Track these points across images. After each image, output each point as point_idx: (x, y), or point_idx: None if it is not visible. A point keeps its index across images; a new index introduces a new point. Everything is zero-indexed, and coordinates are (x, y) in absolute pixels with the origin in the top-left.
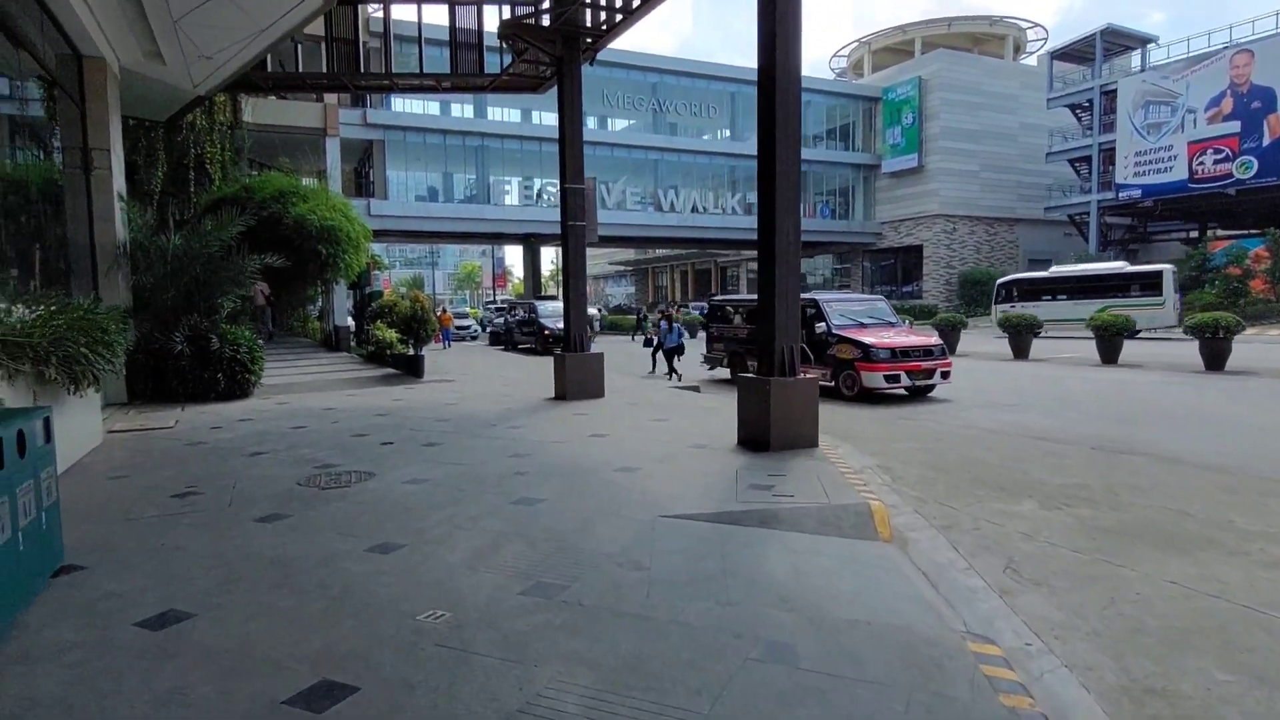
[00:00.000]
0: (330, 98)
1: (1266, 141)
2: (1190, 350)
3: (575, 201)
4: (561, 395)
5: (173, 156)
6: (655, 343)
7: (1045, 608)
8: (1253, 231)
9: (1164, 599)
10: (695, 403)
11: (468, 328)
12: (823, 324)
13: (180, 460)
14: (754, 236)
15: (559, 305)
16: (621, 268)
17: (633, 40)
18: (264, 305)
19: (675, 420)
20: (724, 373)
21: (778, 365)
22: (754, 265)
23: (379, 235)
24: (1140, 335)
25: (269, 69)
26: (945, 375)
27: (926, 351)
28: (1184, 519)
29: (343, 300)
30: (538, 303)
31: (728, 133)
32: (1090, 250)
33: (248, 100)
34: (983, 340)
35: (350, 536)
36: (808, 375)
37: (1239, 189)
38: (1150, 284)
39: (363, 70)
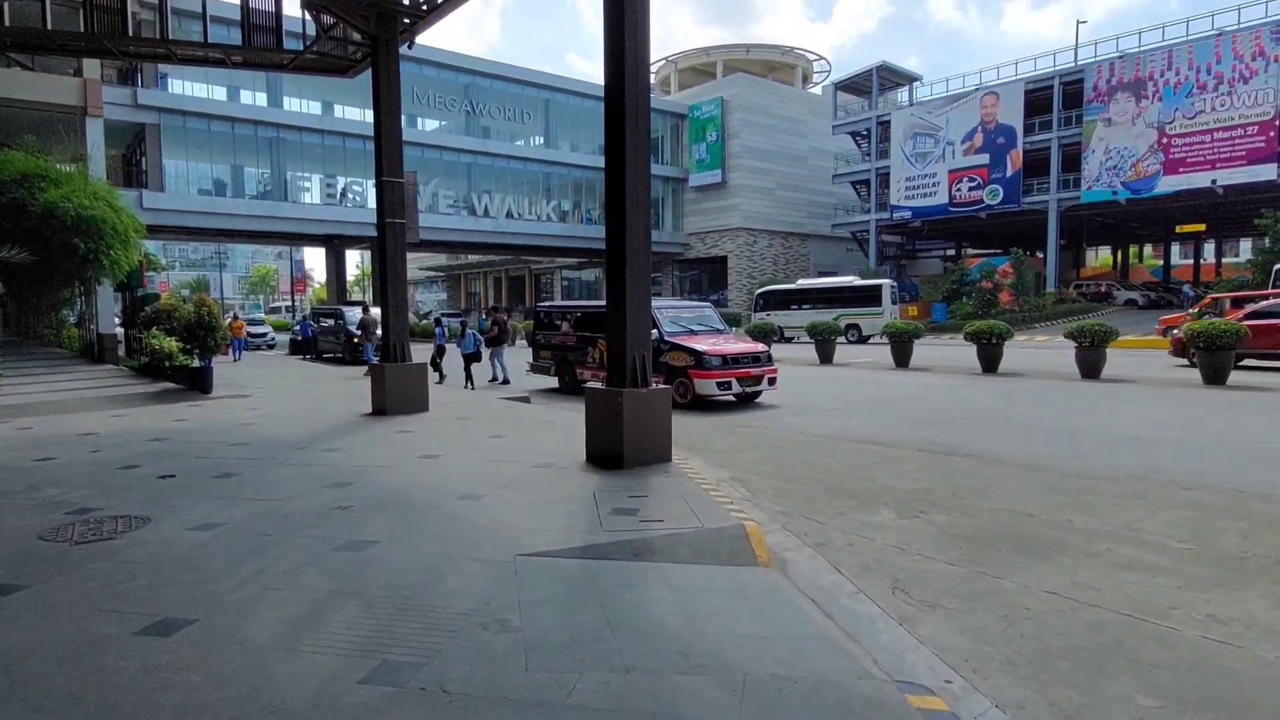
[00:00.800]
0: (92, 72)
1: (1009, 173)
2: (937, 354)
3: (394, 196)
4: (381, 410)
5: None
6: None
7: (949, 635)
8: (998, 251)
9: (1054, 614)
10: (530, 415)
11: (264, 335)
12: (655, 331)
13: None
14: (568, 244)
15: (375, 313)
16: (433, 273)
17: (442, 38)
18: None
19: (513, 436)
20: (552, 382)
21: (630, 375)
22: (568, 273)
23: (154, 231)
24: (870, 340)
25: (6, 24)
26: (772, 382)
27: (755, 358)
28: (1029, 521)
29: (109, 304)
30: (345, 309)
31: (541, 140)
32: (870, 264)
33: None
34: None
35: (116, 613)
36: (659, 385)
37: (988, 213)
38: (872, 296)
39: (131, 35)
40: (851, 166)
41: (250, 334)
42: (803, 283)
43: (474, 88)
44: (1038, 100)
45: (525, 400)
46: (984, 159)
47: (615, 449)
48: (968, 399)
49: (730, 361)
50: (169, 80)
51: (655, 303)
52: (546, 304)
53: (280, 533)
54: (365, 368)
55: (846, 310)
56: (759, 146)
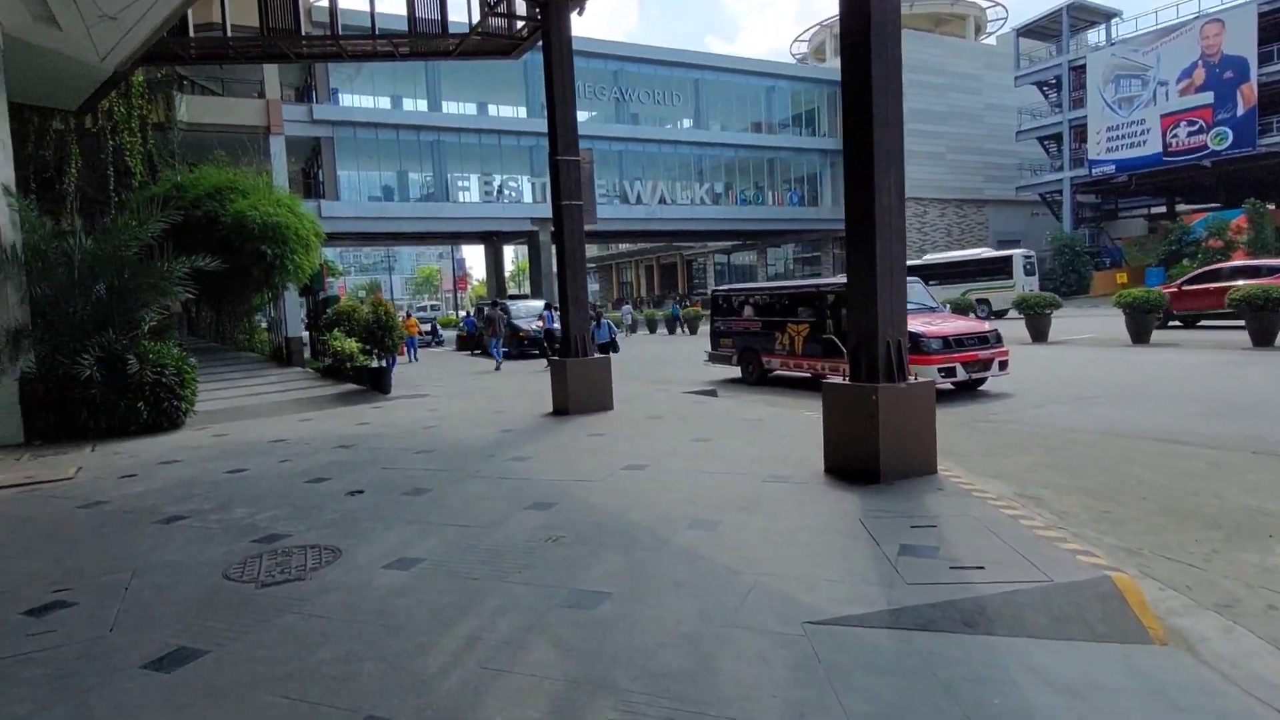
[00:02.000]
0: (273, 93)
1: (1240, 112)
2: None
3: (569, 176)
4: (563, 409)
5: (87, 151)
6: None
7: None
8: (1218, 205)
9: None
10: (728, 413)
11: (430, 332)
12: None
13: (64, 537)
14: (722, 227)
15: (532, 305)
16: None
17: (587, 28)
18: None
19: (721, 440)
20: (733, 372)
21: (885, 366)
22: (720, 258)
23: (333, 239)
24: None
25: (191, 35)
26: (1004, 366)
27: (982, 339)
28: None
29: (295, 308)
30: (510, 302)
31: (690, 121)
32: (1065, 228)
33: (181, 98)
34: None
35: (304, 703)
36: (919, 379)
37: (1214, 160)
38: (1002, 269)
39: (302, 33)
40: (1038, 120)
41: (421, 331)
42: (929, 258)
43: (622, 74)
44: (1276, 23)
45: (712, 394)
46: (1207, 98)
47: (868, 459)
48: (1247, 380)
49: (953, 343)
50: (339, 94)
51: (843, 278)
52: (726, 288)
53: (488, 575)
54: (544, 362)
55: (975, 284)
56: (928, 108)
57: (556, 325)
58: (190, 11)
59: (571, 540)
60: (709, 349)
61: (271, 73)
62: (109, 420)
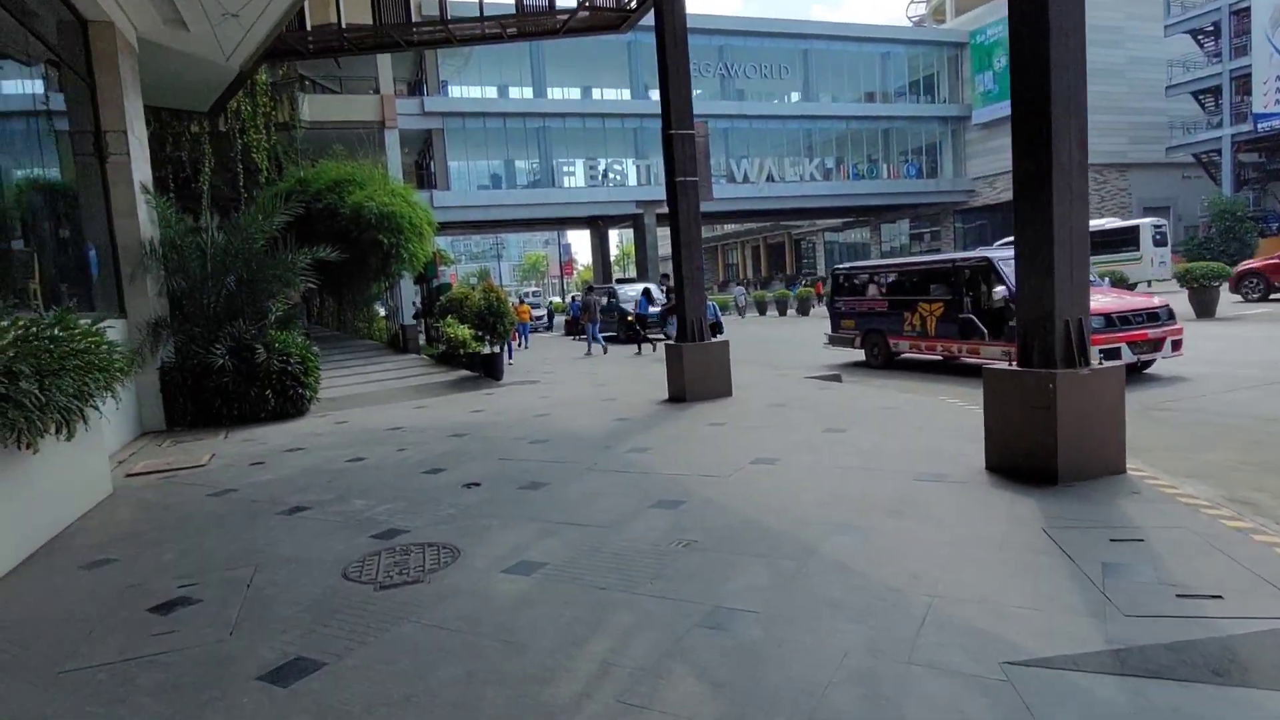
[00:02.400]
0: (387, 88)
1: None
2: None
3: (684, 151)
4: (679, 396)
5: (218, 151)
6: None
7: None
8: None
9: None
10: (859, 400)
11: (540, 318)
12: (1001, 288)
13: (194, 526)
14: (833, 204)
15: (640, 288)
16: None
17: (690, 4)
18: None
19: (857, 431)
20: (856, 355)
21: (1062, 351)
22: (830, 236)
23: (444, 228)
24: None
25: (309, 29)
26: (1176, 346)
27: (1151, 315)
28: None
29: (410, 296)
30: (617, 286)
31: (798, 95)
32: (1225, 191)
33: (303, 97)
34: None
35: None
36: (1104, 363)
37: None
38: (1128, 240)
39: (412, 21)
40: (1192, 73)
41: (533, 317)
42: None
43: (728, 49)
44: None
45: (836, 379)
46: None
47: (1043, 456)
48: None
49: (1117, 321)
50: (449, 86)
51: (995, 252)
52: (847, 265)
53: (617, 585)
54: (646, 346)
55: (1098, 257)
56: None
57: (652, 309)
58: (308, 9)
59: (704, 545)
60: (829, 331)
61: (385, 69)
62: (240, 408)
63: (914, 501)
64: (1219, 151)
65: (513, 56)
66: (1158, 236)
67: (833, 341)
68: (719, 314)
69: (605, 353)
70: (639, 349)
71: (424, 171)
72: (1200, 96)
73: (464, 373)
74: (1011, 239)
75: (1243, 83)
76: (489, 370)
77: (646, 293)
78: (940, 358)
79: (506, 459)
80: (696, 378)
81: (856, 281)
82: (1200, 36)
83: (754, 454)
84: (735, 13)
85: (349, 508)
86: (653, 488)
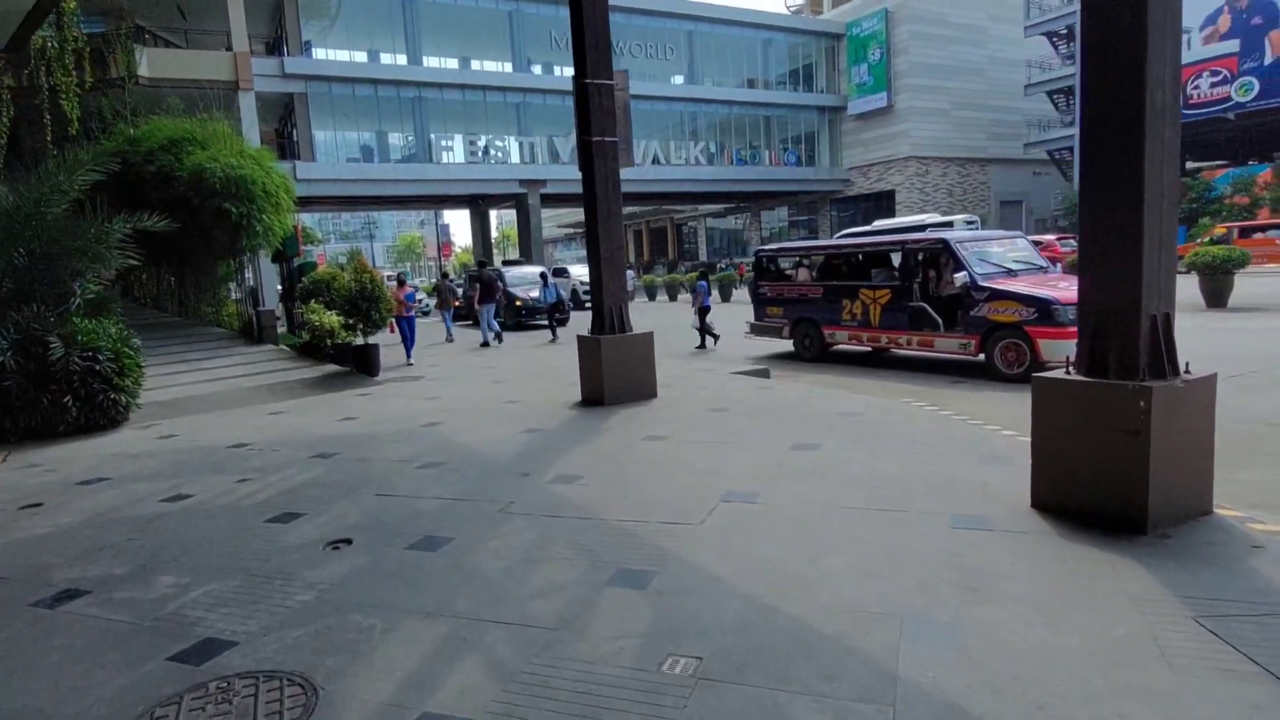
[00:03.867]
0: (241, 45)
1: (1268, 60)
2: None
3: (601, 105)
4: (596, 398)
5: (22, 102)
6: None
7: None
8: (1226, 163)
9: None
10: (809, 403)
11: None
12: (962, 273)
13: None
14: (717, 189)
15: (527, 270)
16: (571, 229)
17: None
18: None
19: (834, 447)
20: (782, 345)
21: (1148, 357)
22: (712, 221)
23: (309, 203)
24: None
25: None
26: None
27: None
28: None
29: (269, 277)
30: (505, 269)
31: (682, 78)
32: (1075, 187)
33: (141, 50)
34: None
35: None
36: (1191, 372)
37: (1238, 113)
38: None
39: None
40: (1048, 74)
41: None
42: (879, 224)
43: (613, 26)
44: None
45: (764, 374)
46: (1232, 46)
47: (1128, 496)
48: None
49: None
50: (313, 48)
51: (951, 234)
52: (774, 246)
53: None
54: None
55: None
56: (931, 62)
57: (562, 294)
58: None
59: (717, 669)
60: (751, 319)
61: (239, 23)
62: (29, 419)
63: (976, 567)
64: (1070, 149)
65: (385, 19)
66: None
67: (756, 331)
68: (561, 294)
69: (500, 342)
70: (554, 337)
71: (285, 141)
72: (1055, 96)
73: (332, 367)
74: (881, 222)
75: None
76: (362, 364)
77: (544, 276)
78: (869, 348)
79: (388, 494)
80: (617, 376)
81: (784, 265)
82: (1055, 39)
83: (721, 485)
84: None
85: (149, 591)
86: (603, 545)
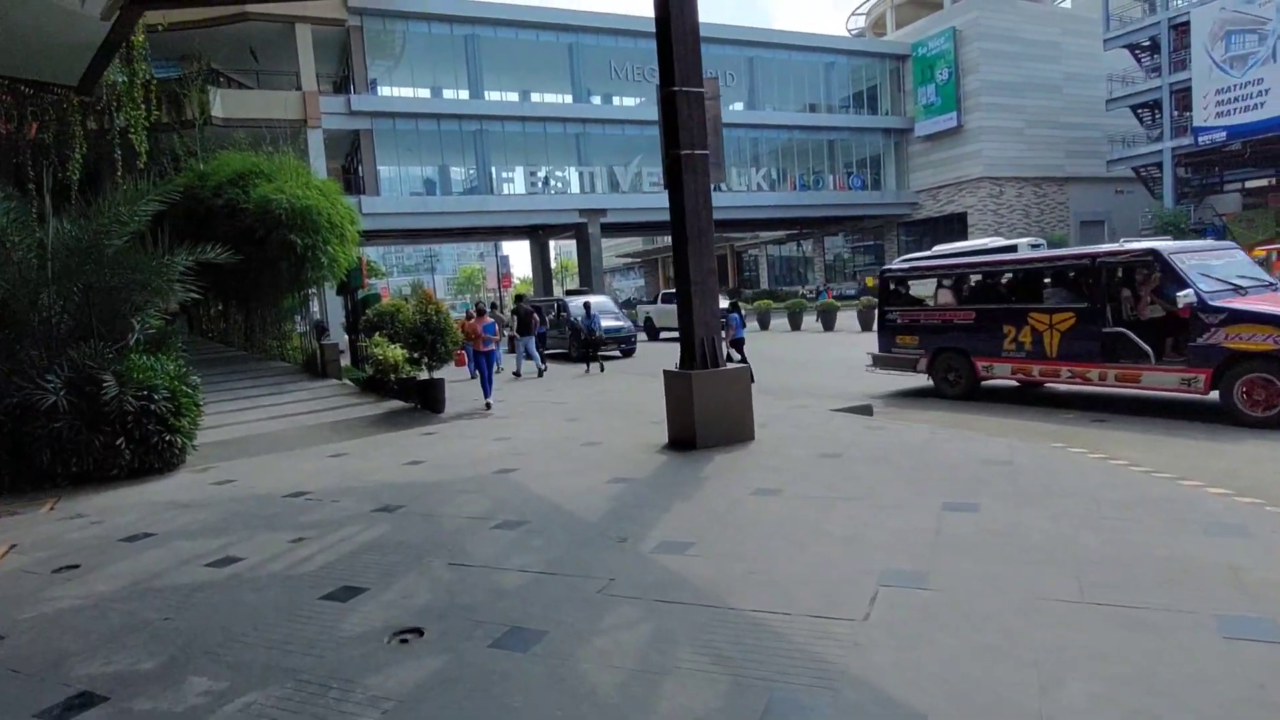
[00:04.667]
0: (310, 84)
1: None
2: None
3: (691, 116)
4: (686, 440)
5: (89, 131)
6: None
7: None
8: None
9: None
10: (943, 449)
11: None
12: (1186, 291)
13: None
14: (779, 215)
15: (596, 300)
16: (630, 259)
17: (622, 4)
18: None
19: (1003, 509)
20: (912, 380)
21: None
22: (772, 249)
23: (374, 236)
24: None
25: None
26: None
27: None
28: None
29: (334, 310)
30: (569, 299)
31: (741, 104)
32: (1166, 204)
33: (215, 92)
34: None
35: None
36: None
37: None
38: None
39: None
40: (1131, 87)
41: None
42: (939, 249)
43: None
44: None
45: (867, 411)
46: None
47: None
48: None
49: None
50: (378, 86)
51: (1164, 245)
52: (904, 262)
53: None
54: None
55: None
56: (1003, 80)
57: (604, 323)
58: None
59: None
60: (875, 351)
61: (307, 63)
62: (81, 462)
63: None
64: (1158, 165)
65: (448, 56)
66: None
67: (881, 364)
68: (743, 327)
69: (540, 375)
70: (587, 368)
71: (351, 176)
72: (1139, 111)
73: (396, 403)
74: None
75: (1182, 97)
76: (427, 400)
77: (587, 306)
78: (1017, 383)
79: (462, 563)
80: (710, 417)
81: (919, 285)
82: (1138, 52)
83: (872, 560)
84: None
85: (176, 701)
86: (742, 652)
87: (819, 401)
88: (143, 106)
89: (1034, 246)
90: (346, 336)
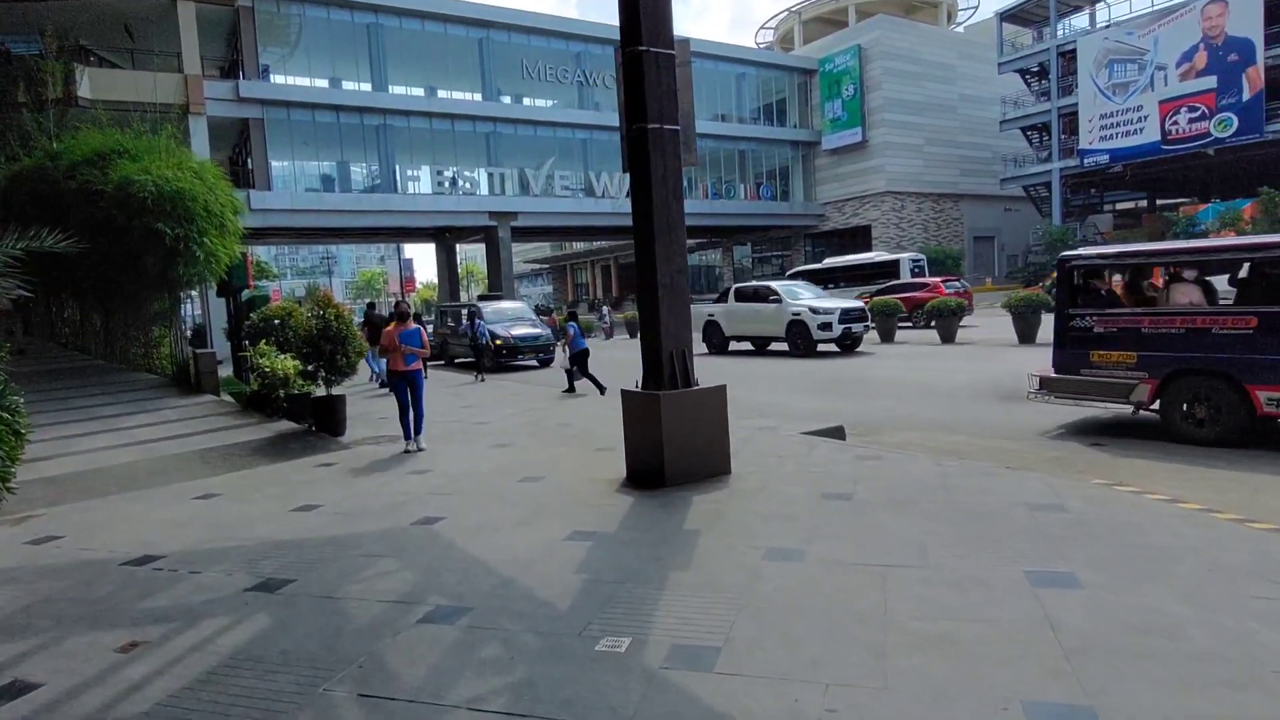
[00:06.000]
0: (193, 67)
1: (1246, 96)
2: None
3: (659, 83)
4: (650, 474)
5: None
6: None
7: None
8: (1185, 200)
9: None
10: (957, 483)
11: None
12: None
13: None
14: (694, 223)
15: (507, 306)
16: (537, 265)
17: (536, 3)
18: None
19: (1090, 574)
20: (1080, 410)
21: None
22: (701, 256)
23: (264, 235)
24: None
25: None
26: None
27: None
28: None
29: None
30: (482, 304)
31: None
32: (1055, 221)
33: (84, 71)
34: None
35: None
36: None
37: (1217, 148)
38: (889, 272)
39: None
40: (1020, 110)
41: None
42: (829, 261)
43: (586, 55)
44: None
45: (839, 434)
46: (1210, 82)
47: None
48: None
49: None
50: (270, 73)
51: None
52: (1101, 251)
53: None
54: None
55: (868, 288)
56: (905, 98)
57: (495, 331)
58: None
59: None
60: (1046, 372)
61: (191, 45)
62: None
63: None
64: (1045, 184)
65: (348, 46)
66: (915, 269)
67: (1062, 389)
68: (582, 338)
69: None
70: (477, 375)
71: (240, 169)
72: (1029, 132)
73: (286, 425)
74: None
75: (1069, 120)
76: (324, 422)
77: (471, 315)
78: None
79: (381, 695)
80: (682, 447)
81: (1131, 279)
82: (1029, 76)
83: (996, 681)
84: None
85: None
86: None
87: (771, 420)
88: None
89: (914, 261)
90: (230, 344)
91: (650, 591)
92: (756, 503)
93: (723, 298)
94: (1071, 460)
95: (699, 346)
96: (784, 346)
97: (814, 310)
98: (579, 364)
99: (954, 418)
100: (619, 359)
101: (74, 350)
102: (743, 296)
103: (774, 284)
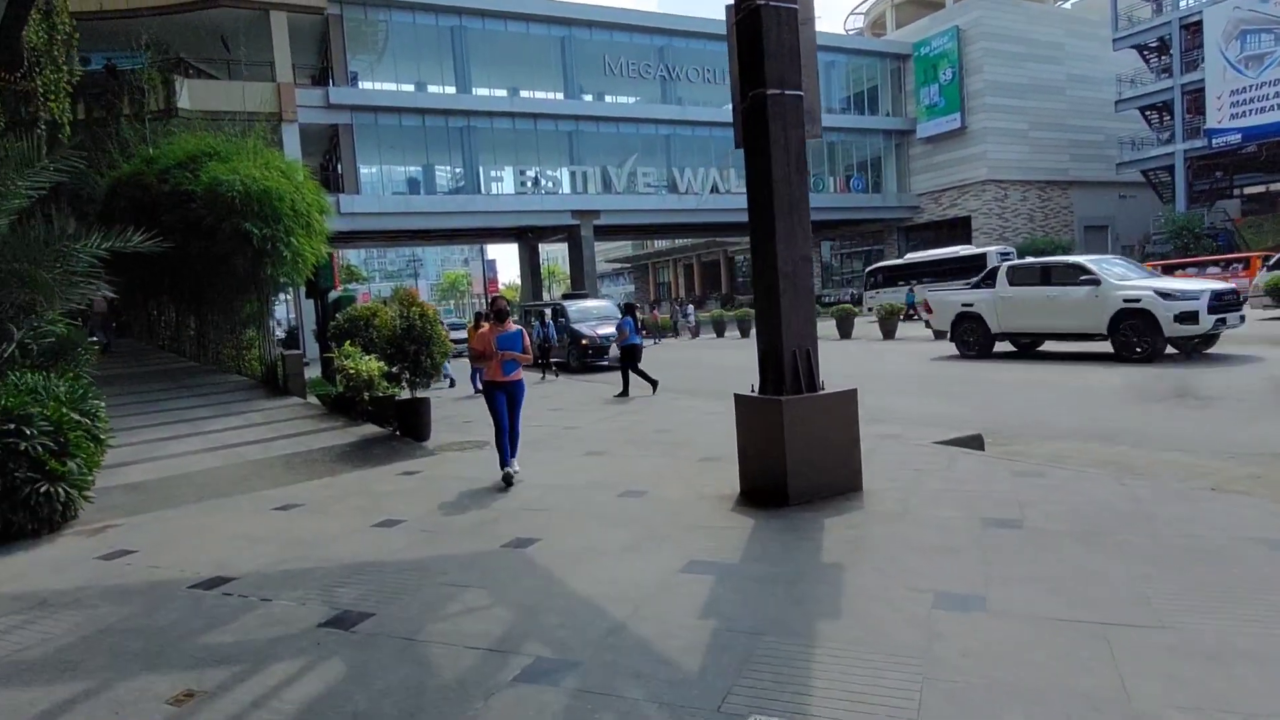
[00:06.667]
0: (285, 76)
1: None
2: None
3: (781, 41)
4: (771, 491)
5: (7, 105)
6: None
7: None
8: None
9: None
10: (1176, 512)
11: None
12: None
13: None
14: None
15: (594, 305)
16: (619, 265)
17: (630, 2)
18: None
19: None
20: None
21: None
22: None
23: (353, 238)
24: None
25: None
26: None
27: None
28: None
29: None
30: (567, 303)
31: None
32: (1178, 207)
33: (183, 83)
34: None
35: None
36: None
37: None
38: (978, 266)
39: None
40: (1138, 89)
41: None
42: (911, 257)
43: (668, 50)
44: None
45: (978, 444)
46: None
47: None
48: None
49: None
50: (359, 81)
51: None
52: None
53: None
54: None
55: (954, 280)
56: (1007, 81)
57: (580, 330)
58: None
59: None
60: None
61: (283, 54)
62: None
63: None
64: (1166, 168)
65: (433, 49)
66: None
67: None
68: (637, 334)
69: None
70: (543, 375)
71: (330, 174)
72: (1147, 113)
73: (370, 429)
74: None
75: (1194, 98)
76: (408, 426)
77: (540, 315)
78: None
79: None
80: (808, 460)
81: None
82: (1146, 52)
83: None
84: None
85: None
86: None
87: (894, 426)
88: (64, 68)
89: (1003, 254)
90: (318, 344)
91: (798, 649)
92: (903, 528)
93: (984, 281)
94: (1275, 478)
95: (946, 347)
96: (1079, 347)
97: (1163, 295)
98: (629, 359)
99: (1110, 425)
100: (708, 361)
101: (171, 353)
102: (1025, 278)
103: (1084, 259)
